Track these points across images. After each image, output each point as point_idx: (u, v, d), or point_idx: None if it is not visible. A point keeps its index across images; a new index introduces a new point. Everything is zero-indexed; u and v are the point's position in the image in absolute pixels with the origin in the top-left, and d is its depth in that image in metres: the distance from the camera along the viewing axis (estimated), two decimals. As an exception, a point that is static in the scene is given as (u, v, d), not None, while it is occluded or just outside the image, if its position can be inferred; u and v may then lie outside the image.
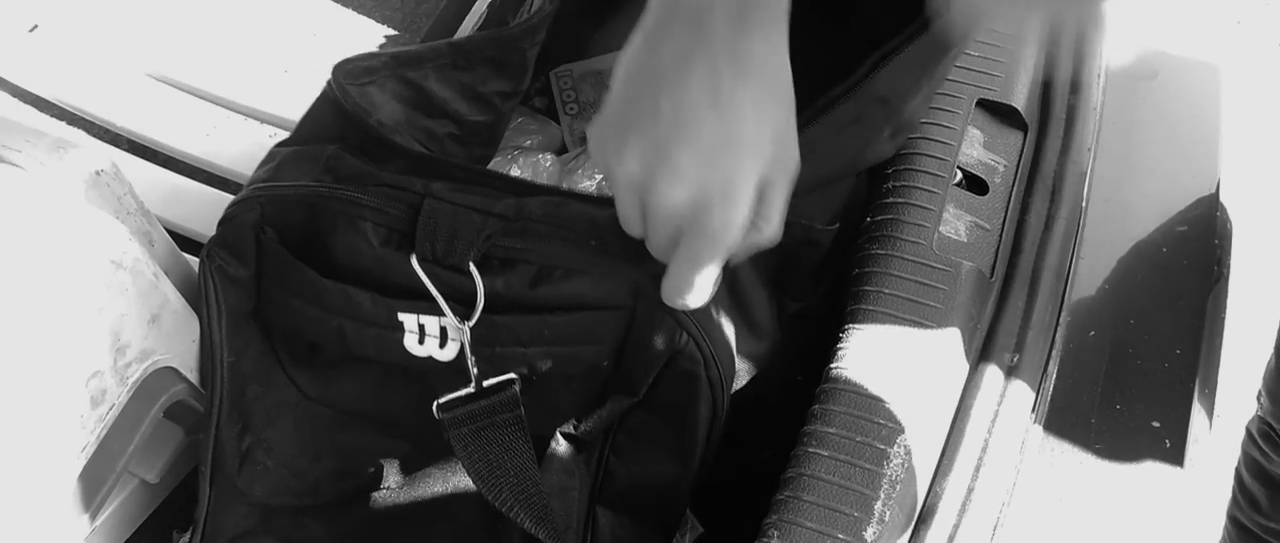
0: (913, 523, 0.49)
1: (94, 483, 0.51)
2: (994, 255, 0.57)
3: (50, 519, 0.51)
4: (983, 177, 0.59)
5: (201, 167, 0.83)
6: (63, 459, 0.49)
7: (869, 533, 0.47)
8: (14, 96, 0.86)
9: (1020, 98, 0.62)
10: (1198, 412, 0.62)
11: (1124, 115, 0.73)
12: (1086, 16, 0.44)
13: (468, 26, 0.81)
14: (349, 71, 0.55)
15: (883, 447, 0.49)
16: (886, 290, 0.54)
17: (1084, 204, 0.62)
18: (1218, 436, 0.67)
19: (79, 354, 0.48)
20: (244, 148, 0.83)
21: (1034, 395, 0.54)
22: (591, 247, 0.49)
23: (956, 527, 0.49)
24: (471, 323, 0.50)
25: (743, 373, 0.53)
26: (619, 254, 0.48)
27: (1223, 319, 0.66)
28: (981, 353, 0.54)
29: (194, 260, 0.57)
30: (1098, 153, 0.66)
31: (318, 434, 0.56)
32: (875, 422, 0.50)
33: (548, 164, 0.71)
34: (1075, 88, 0.64)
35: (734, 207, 0.42)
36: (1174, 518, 0.58)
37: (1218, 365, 0.64)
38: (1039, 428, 0.57)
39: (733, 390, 0.52)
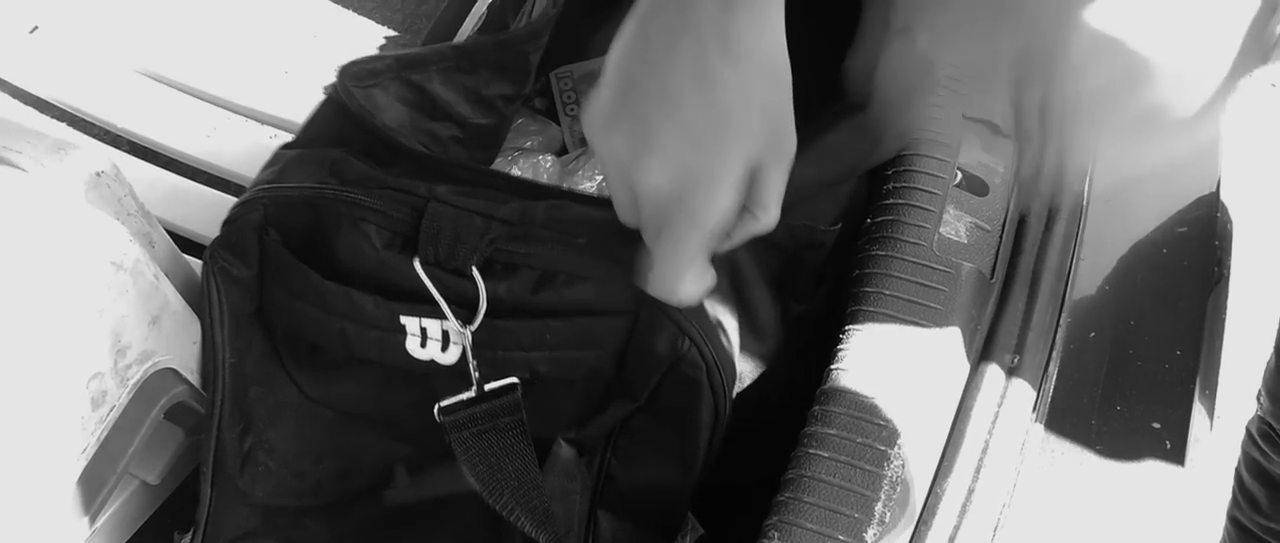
0: (913, 524, 0.49)
1: (94, 484, 0.51)
2: (994, 256, 0.57)
3: (51, 521, 0.51)
4: (982, 177, 0.59)
5: (202, 168, 0.83)
6: (63, 461, 0.49)
7: (869, 534, 0.47)
8: (14, 98, 0.87)
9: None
10: (1198, 412, 0.62)
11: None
12: (1051, 46, 0.43)
13: (467, 28, 0.81)
14: (354, 74, 0.56)
15: (883, 448, 0.49)
16: (887, 291, 0.54)
17: (1084, 204, 0.62)
18: (1218, 436, 0.67)
19: (79, 356, 0.48)
20: (244, 149, 0.83)
21: (1034, 396, 0.54)
22: (594, 251, 0.49)
23: (957, 528, 0.49)
24: (473, 327, 0.50)
25: (745, 375, 0.53)
26: (622, 259, 0.48)
27: (1223, 320, 0.66)
28: (982, 354, 0.54)
29: (195, 262, 0.57)
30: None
31: (319, 435, 0.56)
32: (875, 423, 0.50)
33: (548, 165, 0.71)
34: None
35: (718, 186, 0.41)
36: (1174, 519, 0.58)
37: (1218, 366, 0.64)
38: (1039, 429, 0.57)
39: (735, 393, 0.52)
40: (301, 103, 0.57)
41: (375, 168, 0.52)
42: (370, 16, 0.97)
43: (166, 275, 0.52)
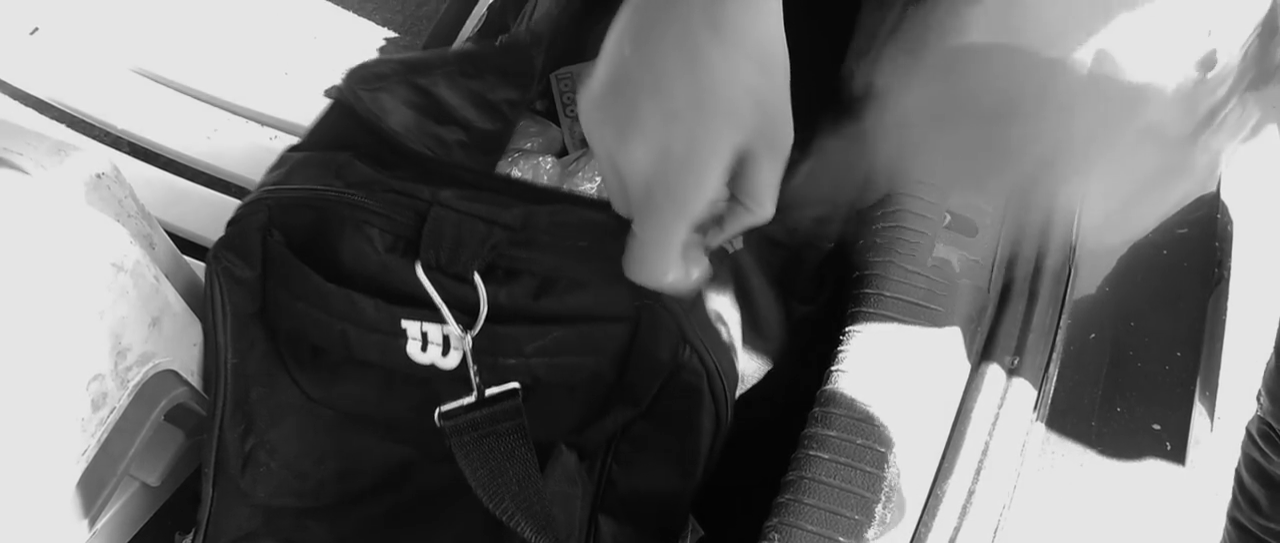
0: (914, 526, 0.49)
1: (95, 486, 0.51)
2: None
3: (51, 523, 0.51)
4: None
5: (202, 169, 0.83)
6: (64, 462, 0.49)
7: (870, 536, 0.47)
8: (14, 99, 0.87)
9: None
10: (1199, 414, 0.62)
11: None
12: (1050, 202, 0.44)
13: (467, 30, 0.81)
14: (361, 77, 0.56)
15: (883, 450, 0.49)
16: (887, 293, 0.54)
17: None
18: (1219, 437, 0.67)
19: (80, 357, 0.48)
20: (245, 150, 0.83)
21: (1035, 398, 0.54)
22: (596, 257, 0.49)
23: (957, 530, 0.49)
24: (474, 332, 0.50)
25: (747, 376, 0.53)
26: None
27: (1223, 322, 0.66)
28: (982, 355, 0.54)
29: (195, 263, 0.57)
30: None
31: (321, 437, 0.56)
32: (876, 425, 0.50)
33: (548, 166, 0.71)
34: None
35: (701, 168, 0.41)
36: (1175, 520, 0.58)
37: (1218, 368, 0.64)
38: (1040, 430, 0.57)
39: (737, 393, 0.52)
40: (302, 104, 0.57)
41: (380, 171, 0.52)
42: (370, 18, 0.97)
43: (167, 277, 0.52)
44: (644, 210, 0.43)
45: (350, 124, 0.55)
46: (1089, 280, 0.65)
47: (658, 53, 0.40)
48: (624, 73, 0.42)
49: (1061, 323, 0.58)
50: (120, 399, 0.50)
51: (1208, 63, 0.41)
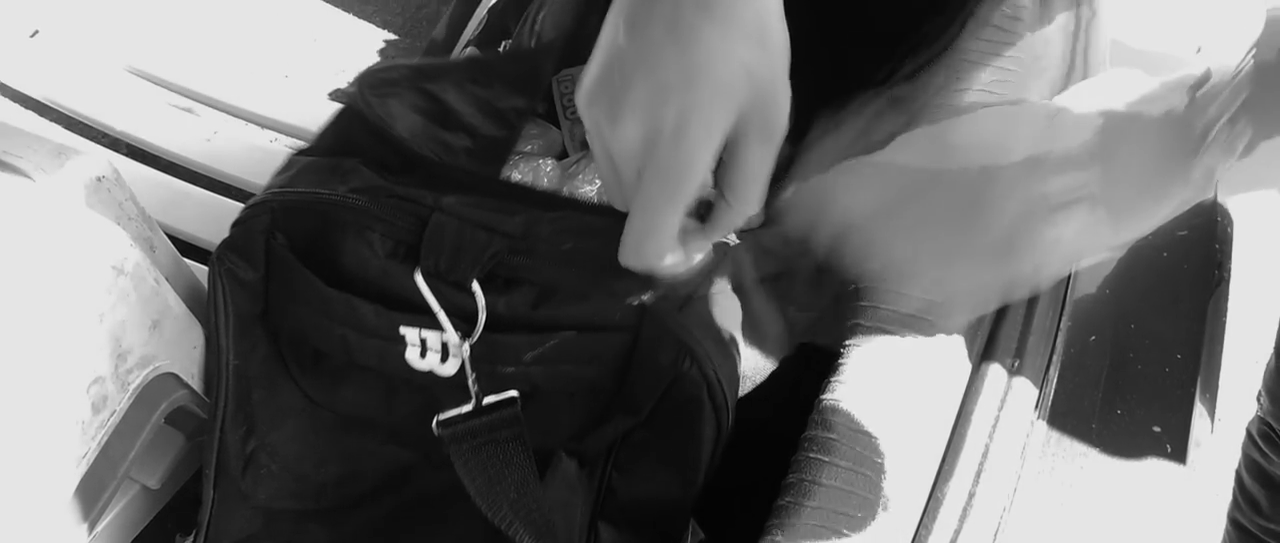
0: (914, 528, 0.49)
1: (95, 489, 0.51)
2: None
3: (51, 525, 0.51)
4: None
5: (202, 172, 0.83)
6: (64, 466, 0.49)
7: (870, 537, 0.47)
8: (14, 102, 0.87)
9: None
10: (1199, 415, 0.62)
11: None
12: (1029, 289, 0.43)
13: (467, 32, 0.81)
14: (371, 83, 0.56)
15: (884, 452, 0.49)
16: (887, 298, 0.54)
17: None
18: (1219, 438, 0.67)
19: (80, 360, 0.48)
20: (245, 153, 0.83)
21: (1035, 400, 0.54)
22: (597, 266, 0.48)
23: (958, 532, 0.49)
24: (472, 341, 0.50)
25: (748, 379, 0.53)
26: (624, 274, 0.48)
27: (1223, 323, 0.66)
28: (982, 357, 0.54)
29: (195, 266, 0.57)
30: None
31: (322, 440, 0.56)
32: (876, 428, 0.50)
33: (548, 169, 0.71)
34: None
35: (687, 140, 0.40)
36: (1175, 521, 0.58)
37: (1219, 369, 0.65)
38: (1040, 432, 0.57)
39: (738, 397, 0.52)
40: (302, 106, 0.57)
41: (386, 176, 0.52)
42: (370, 20, 0.97)
43: (167, 280, 0.52)
44: (636, 193, 0.42)
45: (358, 129, 0.55)
46: (1089, 283, 0.65)
47: (649, 34, 0.40)
48: (617, 55, 0.41)
49: (1062, 325, 0.58)
50: (120, 402, 0.50)
51: (1199, 83, 0.41)
